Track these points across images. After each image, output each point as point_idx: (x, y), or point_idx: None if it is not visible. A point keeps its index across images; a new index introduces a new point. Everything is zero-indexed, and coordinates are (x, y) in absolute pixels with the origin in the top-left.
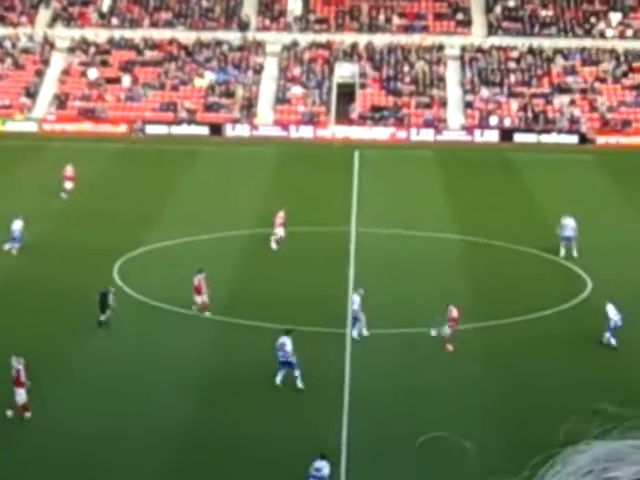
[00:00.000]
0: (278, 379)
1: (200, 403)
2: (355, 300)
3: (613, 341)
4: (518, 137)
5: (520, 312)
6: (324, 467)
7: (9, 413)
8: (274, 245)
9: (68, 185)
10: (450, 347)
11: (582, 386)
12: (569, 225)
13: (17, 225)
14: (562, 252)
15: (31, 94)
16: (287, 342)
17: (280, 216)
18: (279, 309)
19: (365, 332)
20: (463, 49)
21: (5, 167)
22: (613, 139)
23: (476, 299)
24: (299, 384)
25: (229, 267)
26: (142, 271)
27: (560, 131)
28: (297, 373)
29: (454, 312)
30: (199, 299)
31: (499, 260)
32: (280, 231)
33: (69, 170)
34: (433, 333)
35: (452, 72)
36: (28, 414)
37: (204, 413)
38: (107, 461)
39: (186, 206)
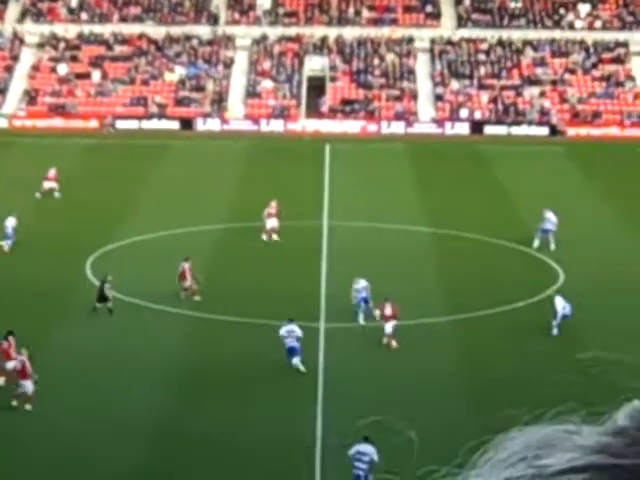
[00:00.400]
0: (298, 364)
1: (175, 398)
2: (360, 287)
3: (555, 331)
4: (489, 129)
5: (493, 304)
6: (372, 452)
7: (14, 403)
8: (266, 237)
9: (47, 185)
10: (394, 343)
11: (553, 376)
12: (550, 219)
13: (10, 222)
14: (536, 243)
15: (1, 90)
16: (295, 328)
17: (272, 206)
18: (252, 303)
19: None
20: (433, 42)
21: None
22: (584, 130)
23: (449, 292)
24: (301, 368)
25: (202, 261)
26: (115, 266)
27: (530, 123)
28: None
29: (387, 309)
30: (185, 284)
31: (471, 252)
32: (273, 222)
33: (52, 172)
34: (361, 322)
35: (422, 65)
36: (29, 406)
37: (179, 407)
38: (82, 456)
39: (158, 201)
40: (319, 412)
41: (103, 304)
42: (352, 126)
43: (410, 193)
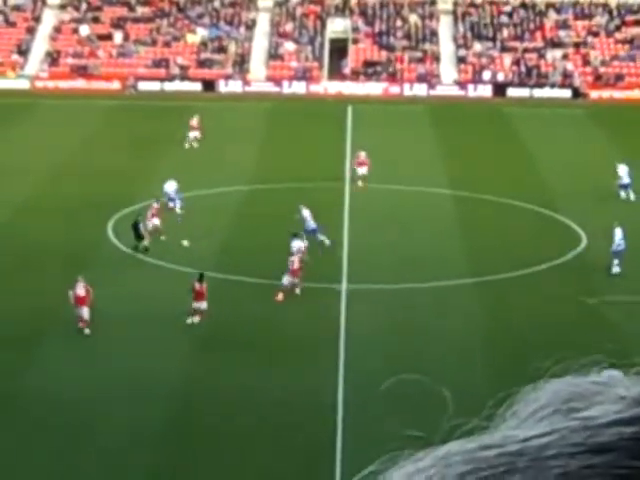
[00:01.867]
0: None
1: (195, 360)
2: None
3: (616, 269)
4: (511, 92)
5: (515, 267)
6: None
7: (81, 325)
8: (361, 184)
9: (192, 134)
10: (280, 296)
11: (575, 339)
12: (624, 172)
13: (170, 187)
14: (623, 195)
15: (23, 51)
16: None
17: (361, 156)
18: (273, 265)
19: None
20: (455, 3)
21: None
22: (606, 93)
23: (470, 254)
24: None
25: (223, 223)
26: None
27: (553, 85)
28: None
29: (296, 264)
30: (150, 224)
31: (493, 215)
32: (364, 170)
33: (194, 120)
34: (285, 282)
35: (445, 26)
36: (88, 330)
37: (199, 370)
38: (101, 414)
39: (180, 162)
40: (340, 375)
41: (141, 242)
42: (374, 88)
43: (432, 155)
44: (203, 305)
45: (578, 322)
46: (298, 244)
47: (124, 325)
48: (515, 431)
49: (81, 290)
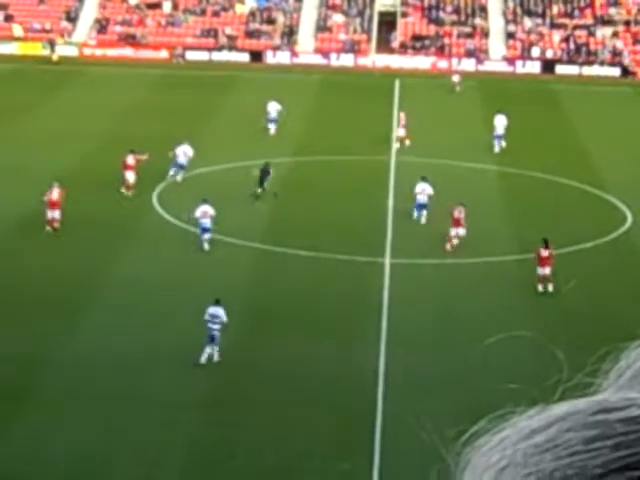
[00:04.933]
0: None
1: (239, 331)
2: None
3: None
4: (560, 69)
5: (560, 244)
6: (222, 315)
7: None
8: (397, 144)
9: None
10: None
11: (624, 319)
12: None
13: (184, 150)
14: None
15: (72, 18)
16: (219, 313)
17: (402, 117)
18: (318, 237)
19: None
20: None
21: (48, 91)
22: None
23: (516, 231)
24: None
25: (270, 195)
26: (182, 198)
27: (602, 63)
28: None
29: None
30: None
31: (539, 192)
32: (401, 131)
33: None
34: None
35: (494, 2)
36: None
37: (242, 341)
38: (146, 386)
39: (226, 133)
40: (382, 348)
41: (262, 189)
42: (422, 62)
43: (479, 131)
44: None
45: (624, 297)
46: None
47: (168, 294)
48: (631, 392)
49: (55, 195)
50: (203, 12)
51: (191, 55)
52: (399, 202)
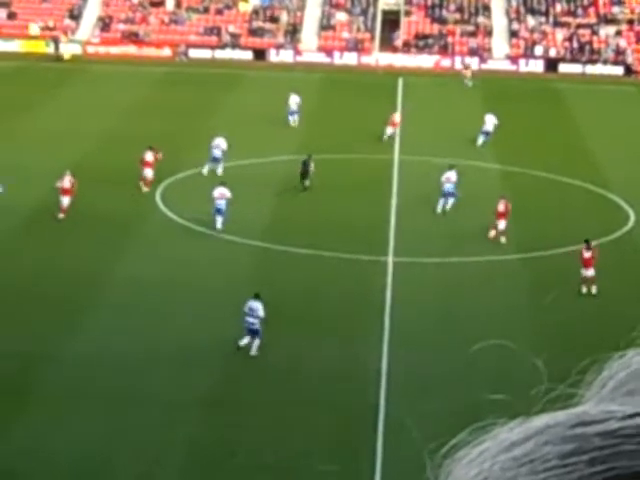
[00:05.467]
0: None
1: (241, 331)
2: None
3: None
4: (563, 67)
5: (563, 243)
6: (259, 308)
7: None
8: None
9: (389, 130)
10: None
11: (626, 319)
12: None
13: (219, 143)
14: None
15: (75, 16)
16: (257, 307)
17: (394, 116)
18: (320, 235)
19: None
20: None
21: (51, 89)
22: None
23: (518, 229)
24: (253, 351)
25: (271, 192)
26: (185, 195)
27: (605, 62)
28: (256, 342)
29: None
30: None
31: (541, 191)
32: (391, 130)
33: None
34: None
35: (498, 0)
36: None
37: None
38: (146, 386)
39: (229, 131)
40: (385, 346)
41: (304, 181)
42: (426, 61)
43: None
44: None
45: (627, 297)
46: None
47: (169, 293)
48: (611, 405)
49: (67, 182)
50: (206, 10)
51: (194, 53)
52: (402, 200)
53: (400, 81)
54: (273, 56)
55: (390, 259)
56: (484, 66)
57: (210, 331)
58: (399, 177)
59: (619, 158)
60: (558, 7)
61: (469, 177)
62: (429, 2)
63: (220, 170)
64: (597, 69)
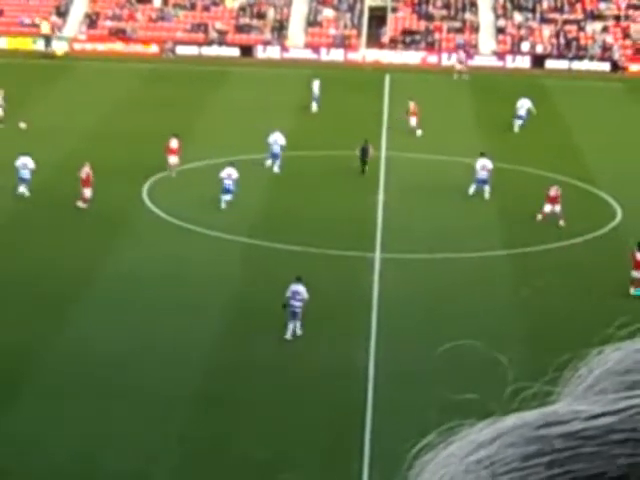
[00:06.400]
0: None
1: (229, 326)
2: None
3: None
4: (550, 63)
5: (551, 239)
6: (303, 292)
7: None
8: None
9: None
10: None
11: (614, 315)
12: None
13: (276, 138)
14: None
15: (62, 13)
16: (301, 290)
17: (412, 106)
18: (307, 232)
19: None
20: None
21: (38, 86)
22: None
23: (507, 226)
24: (298, 331)
25: (257, 190)
26: (171, 192)
27: (592, 58)
28: (297, 323)
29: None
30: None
31: (529, 187)
32: (413, 120)
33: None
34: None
35: None
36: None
37: (232, 336)
38: (134, 380)
39: (216, 128)
40: (372, 343)
41: (364, 167)
42: (412, 57)
43: (469, 126)
44: None
45: (613, 293)
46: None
47: (158, 289)
48: (580, 404)
49: (84, 174)
50: (193, 7)
51: (181, 50)
52: (389, 197)
53: (387, 77)
54: (260, 53)
55: (377, 255)
56: (471, 62)
57: (200, 327)
58: (386, 173)
59: (606, 154)
60: (545, 3)
61: (456, 173)
62: None
63: (277, 169)
64: (584, 65)
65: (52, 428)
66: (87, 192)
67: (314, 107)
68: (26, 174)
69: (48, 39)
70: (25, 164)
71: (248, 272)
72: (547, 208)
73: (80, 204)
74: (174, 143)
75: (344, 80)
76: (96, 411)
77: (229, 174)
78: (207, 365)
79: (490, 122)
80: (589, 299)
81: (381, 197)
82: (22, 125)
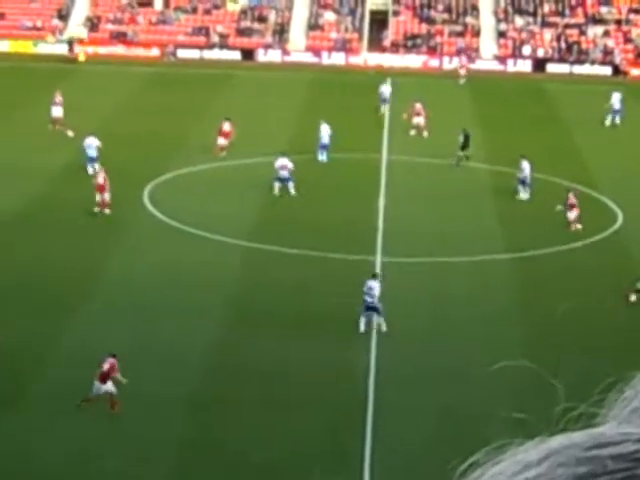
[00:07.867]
0: (362, 325)
1: (228, 328)
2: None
3: None
4: (551, 67)
5: (551, 243)
6: (377, 287)
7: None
8: (414, 132)
9: (415, 120)
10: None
11: (615, 319)
12: None
13: (325, 130)
14: None
15: (63, 16)
16: (375, 286)
17: (417, 107)
18: (308, 235)
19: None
20: None
21: (38, 89)
22: None
23: (507, 230)
24: (383, 327)
25: (259, 193)
26: (172, 195)
27: (593, 62)
28: (381, 319)
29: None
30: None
31: (530, 190)
32: (420, 120)
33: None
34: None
35: (486, 0)
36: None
37: (231, 339)
38: (134, 385)
39: (216, 131)
40: (373, 345)
41: (465, 153)
42: (414, 61)
43: (470, 129)
44: None
45: (614, 297)
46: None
47: (156, 291)
48: (629, 427)
49: (100, 179)
50: (194, 10)
51: (182, 53)
52: (390, 200)
53: (388, 81)
54: (261, 56)
55: (378, 259)
56: (472, 66)
57: (200, 330)
58: (387, 177)
59: (607, 158)
60: (546, 7)
61: (457, 177)
62: (417, 2)
63: (325, 157)
64: (585, 69)
65: (49, 430)
66: (106, 196)
67: (383, 109)
68: (93, 152)
69: (71, 43)
70: (90, 144)
71: (248, 275)
72: (572, 215)
73: (106, 210)
74: (227, 126)
75: (346, 84)
76: (95, 412)
77: (283, 164)
78: (207, 367)
79: (491, 126)
80: (590, 304)
81: (382, 201)
82: (70, 133)
